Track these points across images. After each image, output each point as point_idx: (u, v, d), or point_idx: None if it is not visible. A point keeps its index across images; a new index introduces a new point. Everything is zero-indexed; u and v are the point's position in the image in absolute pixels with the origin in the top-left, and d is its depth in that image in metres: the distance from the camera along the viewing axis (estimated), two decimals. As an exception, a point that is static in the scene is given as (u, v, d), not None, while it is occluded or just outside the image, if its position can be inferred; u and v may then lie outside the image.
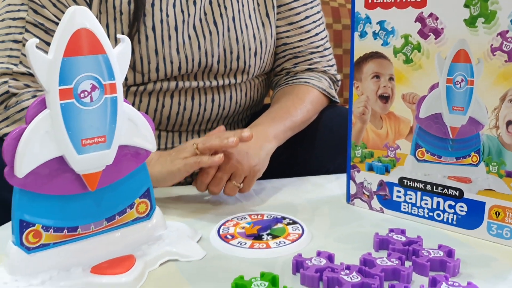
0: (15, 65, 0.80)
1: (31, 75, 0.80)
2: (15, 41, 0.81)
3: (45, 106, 0.52)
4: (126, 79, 0.84)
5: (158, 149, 0.90)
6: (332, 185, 0.87)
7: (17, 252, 0.54)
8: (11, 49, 0.80)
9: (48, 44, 0.80)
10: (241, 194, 0.81)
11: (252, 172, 0.77)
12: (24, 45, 0.80)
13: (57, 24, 0.81)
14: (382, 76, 0.71)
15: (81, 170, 0.55)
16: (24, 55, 0.80)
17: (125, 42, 0.56)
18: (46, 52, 0.51)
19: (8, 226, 0.70)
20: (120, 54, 0.55)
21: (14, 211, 0.54)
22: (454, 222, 0.68)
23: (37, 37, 0.80)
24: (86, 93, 0.53)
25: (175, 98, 0.89)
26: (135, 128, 0.59)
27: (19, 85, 0.79)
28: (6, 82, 0.79)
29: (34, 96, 0.79)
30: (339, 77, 1.03)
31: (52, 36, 0.80)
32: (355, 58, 0.73)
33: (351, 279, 0.53)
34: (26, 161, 0.52)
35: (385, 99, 0.71)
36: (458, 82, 0.64)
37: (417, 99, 0.68)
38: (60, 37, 0.51)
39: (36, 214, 0.55)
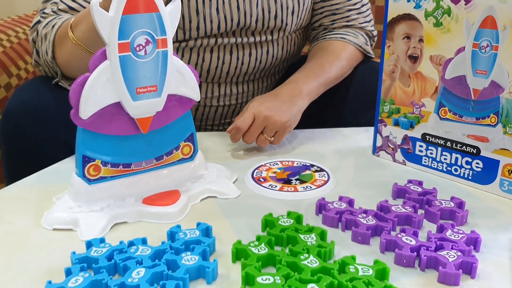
0: (52, 10, 0.88)
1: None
2: None
3: (106, 57, 0.60)
4: None
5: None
6: (361, 137, 0.92)
7: (80, 182, 0.64)
8: None
9: None
10: (275, 142, 0.88)
11: (283, 127, 0.83)
12: None
13: None
14: (412, 37, 0.75)
15: (135, 115, 0.63)
16: (61, 1, 0.88)
17: (176, 2, 0.62)
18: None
19: (67, 160, 0.80)
20: (171, 12, 0.62)
21: (78, 148, 0.63)
22: (470, 177, 0.73)
23: None
24: (141, 47, 0.60)
25: (214, 53, 0.94)
26: (182, 79, 0.66)
27: (49, 14, 0.87)
28: (39, 15, 0.88)
29: (57, 15, 0.86)
30: (375, 32, 1.06)
31: None
32: (388, 18, 0.77)
33: (366, 221, 0.60)
34: (89, 104, 0.60)
35: (414, 59, 0.76)
36: (483, 47, 0.68)
37: (444, 61, 0.72)
38: (120, -3, 0.57)
39: (96, 151, 0.63)
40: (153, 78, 0.62)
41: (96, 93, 0.60)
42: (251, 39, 0.95)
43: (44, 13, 0.88)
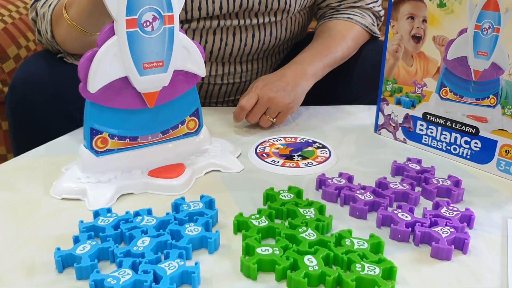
0: None
1: None
2: None
3: (114, 33, 0.61)
4: None
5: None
6: (364, 114, 0.94)
7: (88, 154, 0.66)
8: None
9: None
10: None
11: (286, 108, 0.84)
12: None
13: None
14: (416, 18, 0.76)
15: (142, 89, 0.65)
16: None
17: (183, -21, 0.63)
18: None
19: (75, 132, 0.82)
20: (178, -11, 0.63)
21: (86, 120, 0.65)
22: (468, 157, 0.75)
23: None
24: (148, 23, 0.61)
25: (217, 35, 0.94)
26: (188, 55, 0.67)
27: None
28: None
29: None
30: (382, 12, 1.06)
31: None
32: (393, -2, 0.77)
33: (364, 197, 0.62)
34: (97, 78, 0.61)
35: (417, 39, 0.76)
36: (485, 29, 0.69)
37: (446, 42, 0.73)
38: (128, -27, 0.59)
39: (104, 124, 0.65)
40: (159, 54, 0.64)
41: (104, 67, 0.61)
42: (254, 21, 0.95)
43: None
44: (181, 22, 0.93)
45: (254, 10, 0.94)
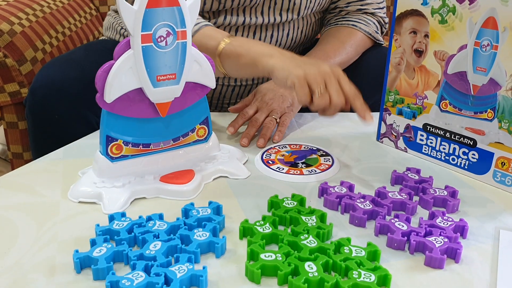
0: None
1: None
2: None
3: (130, 47, 0.65)
4: (204, 3, 0.93)
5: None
6: (367, 122, 0.97)
7: (103, 160, 0.70)
8: None
9: None
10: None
11: (286, 112, 0.89)
12: None
13: None
14: (418, 33, 0.79)
15: (155, 100, 0.68)
16: None
17: (196, -4, 0.66)
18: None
19: (90, 136, 0.86)
20: (191, 6, 0.66)
21: (102, 129, 0.68)
22: (466, 167, 0.78)
23: None
24: (162, 38, 0.65)
25: (239, 32, 0.99)
26: (199, 68, 0.70)
27: None
28: None
29: None
30: (387, 19, 1.09)
31: None
32: (397, 13, 0.80)
33: (364, 206, 0.66)
34: (113, 89, 0.65)
35: (419, 53, 0.80)
36: (484, 46, 0.72)
37: (447, 57, 0.76)
38: (145, -8, 0.62)
39: (119, 132, 0.69)
40: (172, 67, 0.67)
41: (120, 79, 0.65)
42: (278, 19, 0.98)
43: None
44: (212, 11, 0.95)
45: (278, 4, 0.97)
